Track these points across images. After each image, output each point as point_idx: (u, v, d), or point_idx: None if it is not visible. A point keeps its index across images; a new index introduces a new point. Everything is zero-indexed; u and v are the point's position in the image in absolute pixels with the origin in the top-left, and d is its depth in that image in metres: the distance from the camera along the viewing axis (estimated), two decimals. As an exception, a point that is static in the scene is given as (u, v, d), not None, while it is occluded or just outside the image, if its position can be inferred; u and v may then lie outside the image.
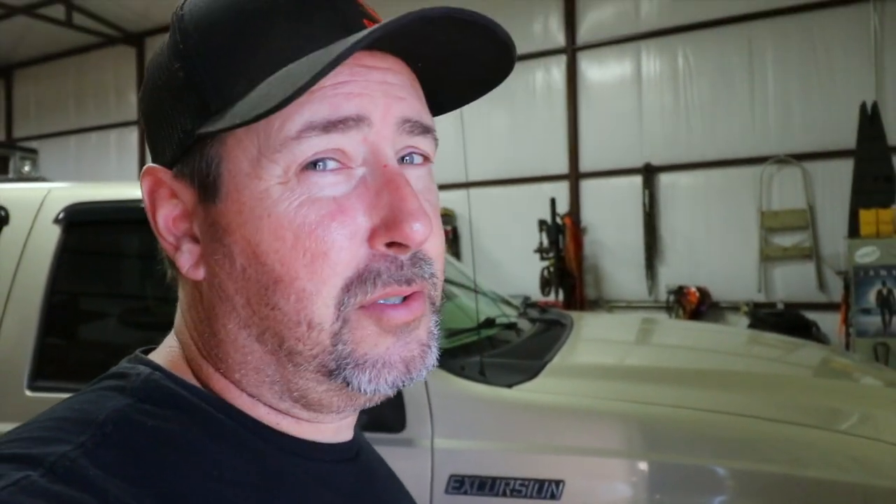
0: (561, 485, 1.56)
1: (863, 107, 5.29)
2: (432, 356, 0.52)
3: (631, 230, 7.17)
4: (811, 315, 6.18)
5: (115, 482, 0.42)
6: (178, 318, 0.56)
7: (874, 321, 4.57)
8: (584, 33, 7.51)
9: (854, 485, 1.55)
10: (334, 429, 0.56)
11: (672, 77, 7.04)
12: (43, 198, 2.13)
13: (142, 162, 10.55)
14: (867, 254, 4.58)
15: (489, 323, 2.25)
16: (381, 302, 0.49)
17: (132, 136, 10.70)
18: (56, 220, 2.07)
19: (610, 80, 7.36)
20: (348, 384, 0.49)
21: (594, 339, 2.57)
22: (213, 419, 0.50)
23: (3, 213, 2.13)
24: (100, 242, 2.26)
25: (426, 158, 0.53)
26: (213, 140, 0.49)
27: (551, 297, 7.16)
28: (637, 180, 7.13)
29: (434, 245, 0.52)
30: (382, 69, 0.50)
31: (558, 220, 7.10)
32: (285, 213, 0.47)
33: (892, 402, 2.08)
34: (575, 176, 7.50)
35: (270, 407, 0.52)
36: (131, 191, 2.16)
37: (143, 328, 2.26)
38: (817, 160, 6.38)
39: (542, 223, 7.08)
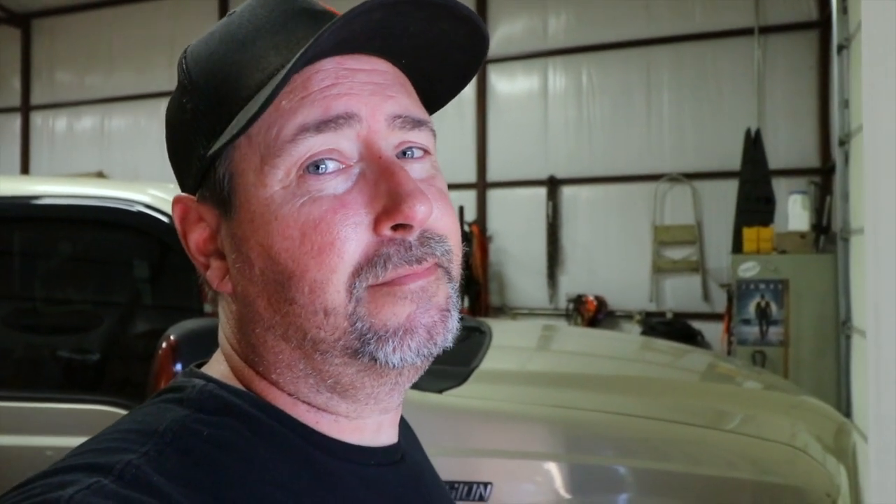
0: (489, 486, 1.62)
1: (747, 132, 5.68)
2: (453, 321, 0.52)
3: (534, 240, 7.39)
4: (697, 324, 6.58)
5: (176, 487, 0.44)
6: (220, 332, 0.58)
7: (753, 331, 4.90)
8: (494, 46, 7.66)
9: (743, 480, 1.69)
10: (375, 427, 0.57)
11: (576, 94, 7.33)
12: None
13: (25, 151, 9.86)
14: (748, 269, 4.92)
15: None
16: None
17: (14, 122, 9.94)
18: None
19: (518, 93, 7.57)
20: (375, 360, 0.50)
21: (511, 346, 2.65)
22: (263, 424, 0.52)
23: None
24: None
25: (426, 151, 0.55)
26: (223, 160, 0.52)
27: (457, 304, 7.26)
28: (541, 192, 7.37)
29: (445, 224, 0.53)
30: (367, 70, 0.52)
31: (466, 227, 7.23)
32: (290, 213, 0.49)
33: (772, 404, 2.28)
34: (483, 185, 7.65)
35: (309, 404, 0.54)
36: (26, 186, 2.05)
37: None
38: (706, 179, 6.82)
39: (450, 230, 7.16)
